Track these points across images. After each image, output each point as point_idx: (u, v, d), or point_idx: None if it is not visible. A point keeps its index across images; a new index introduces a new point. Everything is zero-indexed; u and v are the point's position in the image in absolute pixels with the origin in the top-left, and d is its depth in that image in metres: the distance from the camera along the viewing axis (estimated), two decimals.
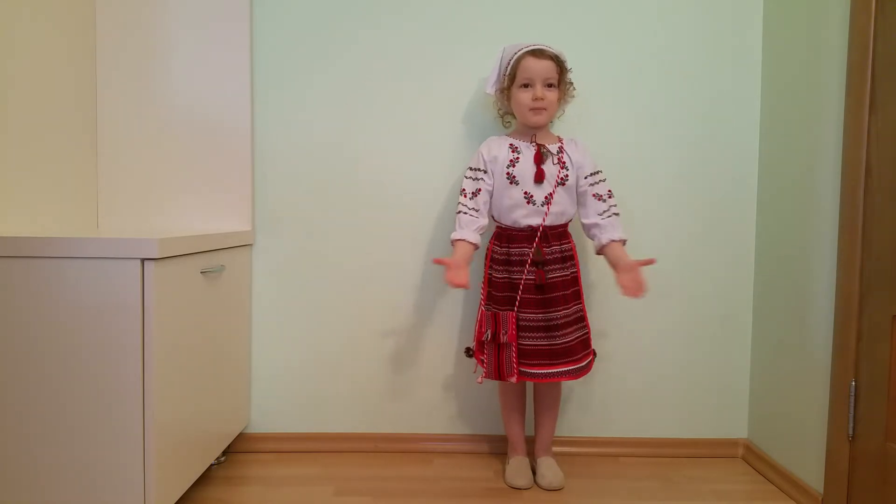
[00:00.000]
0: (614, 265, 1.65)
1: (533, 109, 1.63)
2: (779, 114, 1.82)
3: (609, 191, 1.70)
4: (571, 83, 1.71)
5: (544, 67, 1.63)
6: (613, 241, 1.66)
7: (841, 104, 1.53)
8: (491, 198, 1.69)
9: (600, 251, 1.69)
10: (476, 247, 1.65)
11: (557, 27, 1.89)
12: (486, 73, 1.84)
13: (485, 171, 1.68)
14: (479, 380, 1.66)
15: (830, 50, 1.58)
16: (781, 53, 1.81)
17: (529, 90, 1.63)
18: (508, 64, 1.67)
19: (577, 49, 1.86)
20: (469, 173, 1.70)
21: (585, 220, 1.70)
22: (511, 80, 1.66)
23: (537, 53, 1.63)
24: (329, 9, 1.89)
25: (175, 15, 1.82)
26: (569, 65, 1.69)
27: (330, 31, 1.90)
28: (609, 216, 1.67)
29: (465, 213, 1.66)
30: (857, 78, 1.47)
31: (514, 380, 1.61)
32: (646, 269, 1.93)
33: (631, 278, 1.59)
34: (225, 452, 1.89)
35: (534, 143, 1.67)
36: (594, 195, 1.68)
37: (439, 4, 1.90)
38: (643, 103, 1.92)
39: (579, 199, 1.71)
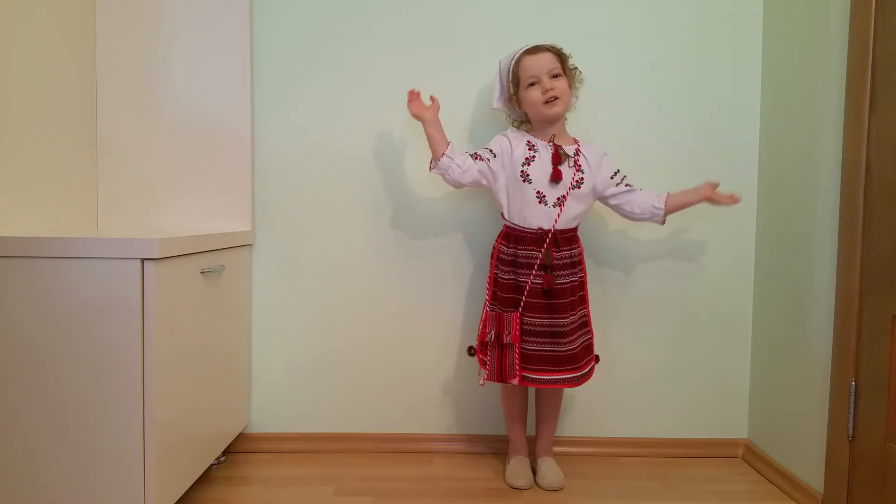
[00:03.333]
0: (689, 198, 1.69)
1: (547, 102, 1.62)
2: (779, 113, 1.82)
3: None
4: (576, 68, 1.69)
5: (545, 60, 1.62)
6: (666, 196, 1.69)
7: (841, 104, 1.53)
8: (487, 177, 1.67)
9: (667, 211, 1.70)
10: (448, 144, 1.64)
11: (557, 29, 1.89)
12: (487, 74, 1.84)
13: (495, 156, 1.66)
14: (482, 382, 1.66)
15: (830, 50, 1.58)
16: (781, 53, 1.81)
17: (538, 86, 1.62)
18: (509, 70, 1.66)
19: (578, 50, 1.85)
20: (484, 150, 1.67)
21: (637, 210, 1.70)
22: (516, 85, 1.65)
23: (533, 50, 1.63)
24: (330, 9, 1.89)
25: (175, 14, 1.82)
26: (567, 52, 1.67)
27: (330, 31, 1.89)
28: (641, 189, 1.71)
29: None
30: (857, 78, 1.47)
31: (515, 382, 1.61)
32: (647, 271, 1.95)
33: (719, 196, 1.67)
34: (225, 452, 1.88)
35: (551, 144, 1.66)
36: (626, 186, 1.70)
37: (441, 6, 1.90)
38: (643, 104, 1.92)
39: (614, 200, 1.71)
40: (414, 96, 1.65)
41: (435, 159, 1.65)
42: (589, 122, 1.88)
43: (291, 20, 1.89)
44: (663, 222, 1.72)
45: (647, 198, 1.69)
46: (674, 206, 1.69)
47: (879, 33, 1.43)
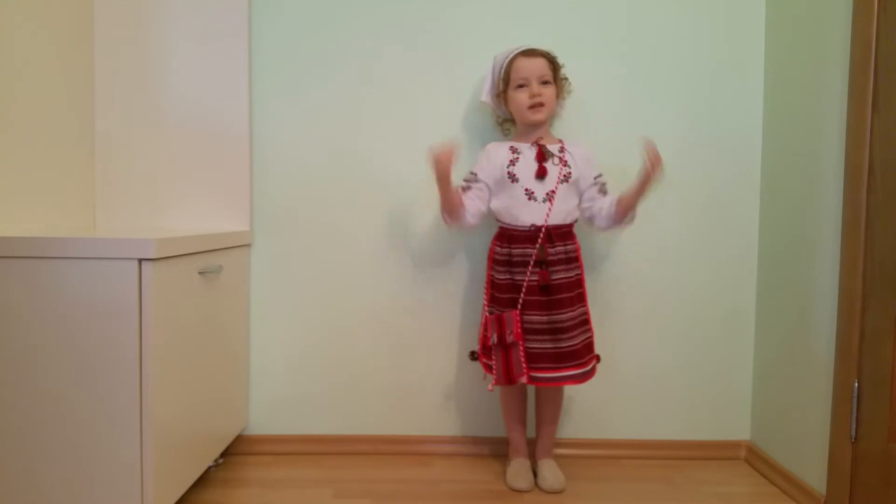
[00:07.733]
0: (634, 186, 1.58)
1: (532, 107, 1.63)
2: (781, 113, 1.81)
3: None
4: (566, 79, 1.71)
5: (537, 65, 1.63)
6: (618, 197, 1.63)
7: (843, 104, 1.52)
8: (487, 200, 1.69)
9: (618, 212, 1.63)
10: (460, 200, 1.63)
11: (558, 28, 1.88)
12: (485, 75, 1.83)
13: (478, 180, 1.68)
14: (490, 387, 1.65)
15: (833, 49, 1.57)
16: (784, 53, 1.80)
17: (525, 89, 1.63)
18: (501, 68, 1.67)
19: (578, 45, 1.86)
20: (468, 175, 1.70)
21: (599, 212, 1.67)
22: (506, 83, 1.66)
23: (528, 53, 1.64)
24: (328, 9, 1.88)
25: (173, 13, 1.81)
26: (561, 61, 1.68)
27: (329, 31, 1.89)
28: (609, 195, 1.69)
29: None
30: (860, 77, 1.46)
31: (524, 380, 1.60)
32: (649, 272, 1.94)
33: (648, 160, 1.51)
34: (223, 454, 1.87)
35: (535, 145, 1.67)
36: (600, 192, 1.70)
37: (439, 7, 1.89)
38: (644, 105, 1.91)
39: (587, 197, 1.69)
40: (446, 155, 1.52)
41: (453, 218, 1.64)
42: (588, 119, 1.87)
43: (290, 20, 1.88)
44: (620, 222, 1.65)
45: (607, 201, 1.66)
46: (626, 203, 1.61)
47: (882, 32, 1.42)
